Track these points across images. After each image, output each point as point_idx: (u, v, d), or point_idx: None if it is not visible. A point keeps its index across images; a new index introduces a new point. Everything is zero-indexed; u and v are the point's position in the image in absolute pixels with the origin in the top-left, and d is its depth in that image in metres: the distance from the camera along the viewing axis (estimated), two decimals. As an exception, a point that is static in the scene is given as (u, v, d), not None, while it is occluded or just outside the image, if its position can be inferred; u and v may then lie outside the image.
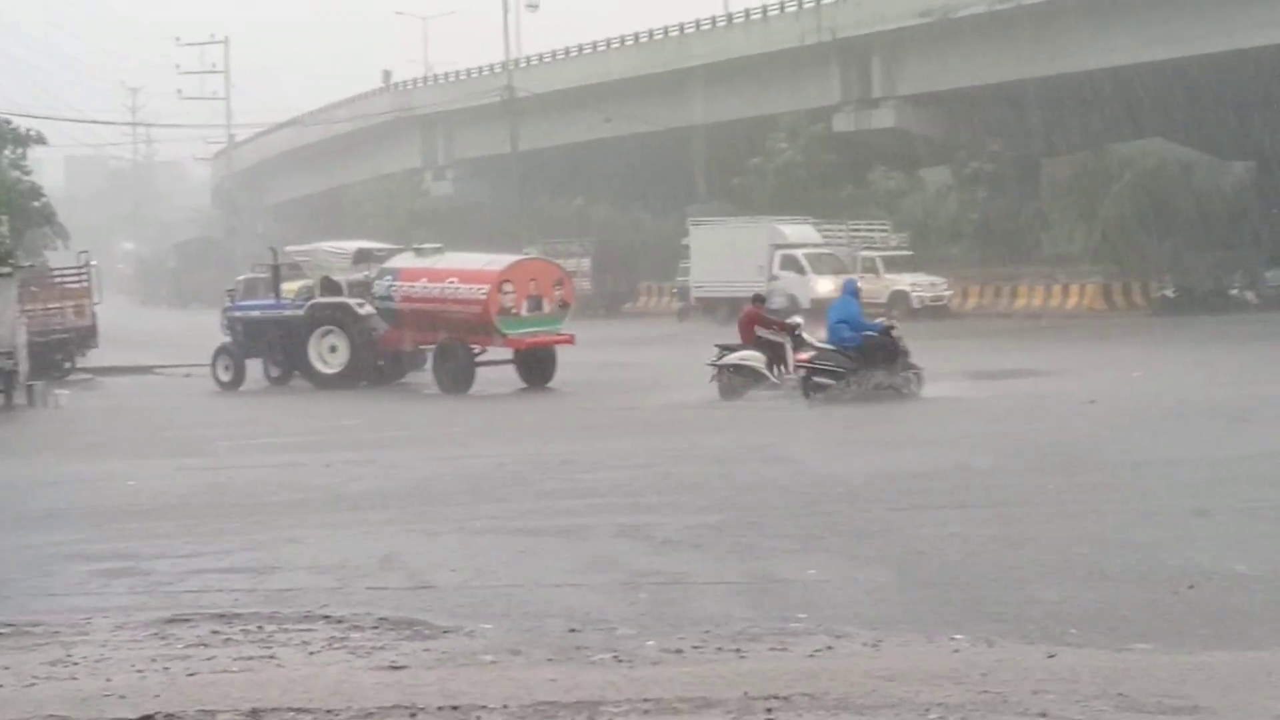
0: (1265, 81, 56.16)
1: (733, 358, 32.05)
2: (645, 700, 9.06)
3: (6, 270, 34.50)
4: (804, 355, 31.01)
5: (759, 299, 36.00)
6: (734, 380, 31.71)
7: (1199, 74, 56.54)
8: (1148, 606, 11.41)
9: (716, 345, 32.98)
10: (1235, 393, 28.63)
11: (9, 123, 50.18)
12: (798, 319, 34.35)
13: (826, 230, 61.85)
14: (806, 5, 67.89)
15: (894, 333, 31.41)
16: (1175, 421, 24.30)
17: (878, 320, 33.41)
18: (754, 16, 70.97)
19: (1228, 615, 11.13)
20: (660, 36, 75.85)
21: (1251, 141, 63.12)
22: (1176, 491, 17.29)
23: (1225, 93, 58.14)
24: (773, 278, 61.48)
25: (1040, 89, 60.01)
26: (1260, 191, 63.96)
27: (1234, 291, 57.20)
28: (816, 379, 30.38)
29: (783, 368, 31.63)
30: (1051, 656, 9.96)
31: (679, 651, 10.42)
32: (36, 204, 47.36)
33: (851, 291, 33.12)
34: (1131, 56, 56.41)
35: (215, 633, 11.35)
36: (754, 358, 31.89)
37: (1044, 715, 8.49)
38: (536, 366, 34.99)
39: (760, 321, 33.00)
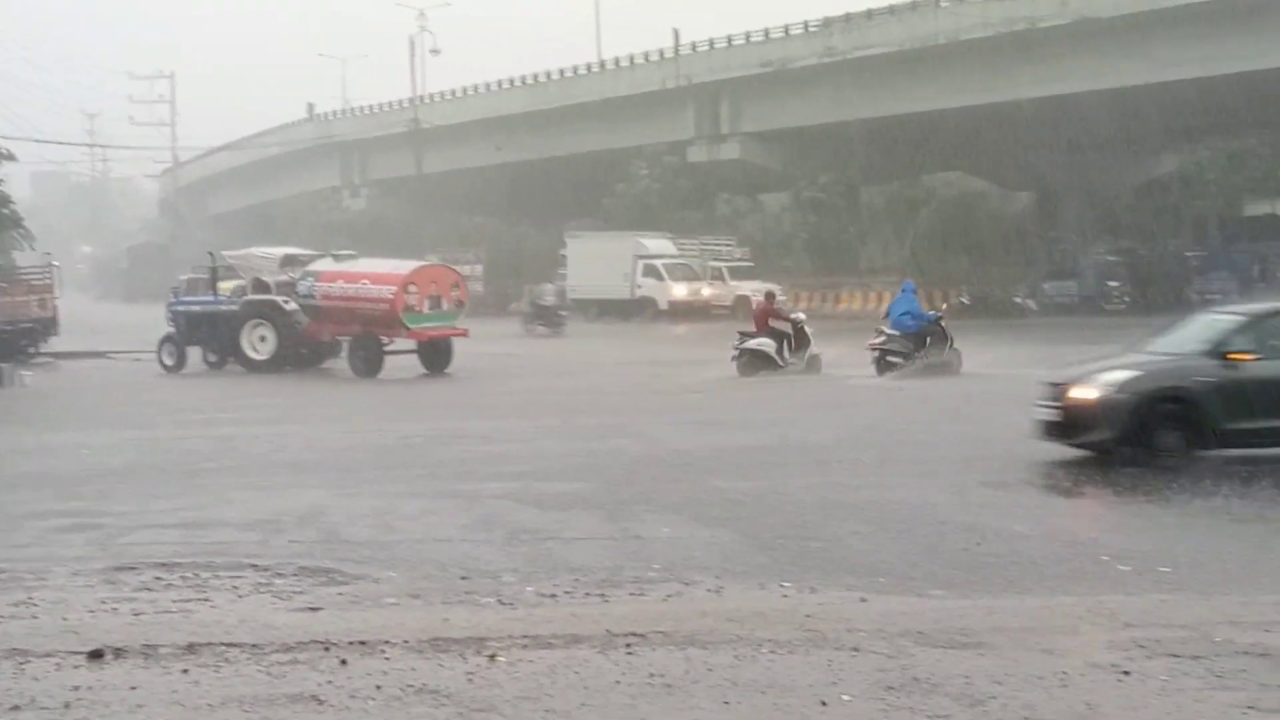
0: (1043, 127, 57.08)
1: (750, 344, 33.03)
2: (525, 637, 9.06)
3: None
4: (877, 340, 32.38)
5: (771, 295, 37.02)
6: (751, 362, 32.67)
7: (988, 119, 57.29)
8: (944, 560, 11.54)
9: (738, 332, 34.23)
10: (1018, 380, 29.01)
11: None
12: (801, 314, 36.44)
13: (682, 244, 62.23)
14: (668, 55, 68.32)
15: (942, 322, 33.69)
16: (972, 407, 24.42)
17: (931, 312, 35.16)
18: (623, 64, 71.23)
19: (1009, 567, 11.29)
20: (545, 80, 76.04)
21: (1032, 176, 64.16)
22: (971, 466, 17.40)
23: (1012, 135, 58.92)
24: (559, 275, 63.53)
25: (861, 128, 60.57)
26: (1039, 218, 64.99)
27: (1018, 300, 58.03)
28: (889, 358, 31.83)
29: (788, 353, 32.91)
30: (864, 601, 10.05)
31: (553, 596, 10.44)
32: (6, 210, 46.61)
33: (911, 290, 34.79)
34: (935, 104, 57.12)
35: (158, 579, 11.24)
36: (766, 344, 33.00)
37: (856, 649, 8.55)
38: (436, 356, 34.86)
39: (772, 314, 34.19)
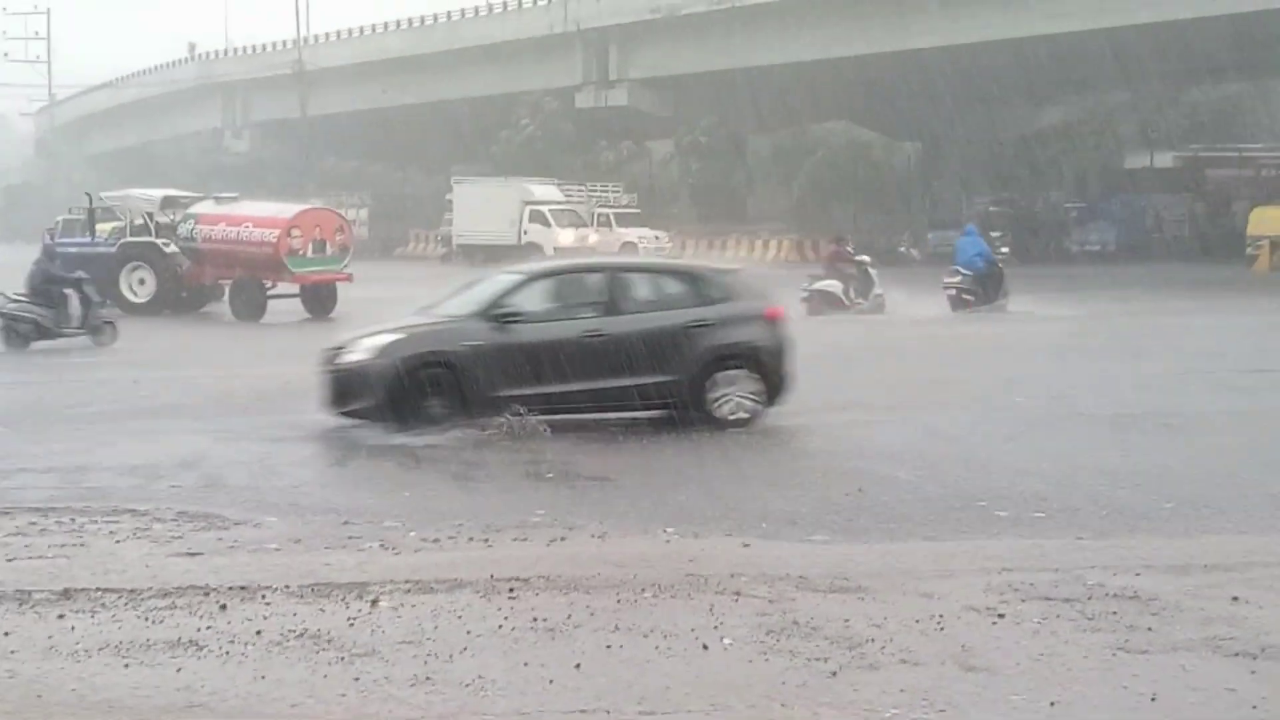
0: (931, 77, 57.35)
1: (819, 285, 34.60)
2: (408, 581, 9.06)
3: None
4: (953, 280, 34.22)
5: (841, 239, 38.77)
6: (819, 302, 33.90)
7: (876, 69, 57.68)
8: (826, 506, 11.63)
9: (808, 275, 36.13)
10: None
11: None
12: (866, 258, 37.40)
13: (569, 190, 62.12)
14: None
15: (1000, 265, 35.53)
16: (870, 355, 24.61)
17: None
18: (510, 7, 70.87)
19: (890, 514, 11.40)
20: (431, 22, 75.51)
21: (920, 126, 64.50)
22: (831, 410, 17.54)
23: (898, 85, 59.28)
24: (445, 220, 63.55)
25: (748, 77, 60.59)
26: (924, 168, 65.49)
27: (902, 249, 58.44)
28: (964, 296, 33.66)
29: (853, 293, 34.75)
30: (746, 546, 10.14)
31: (436, 541, 10.44)
32: None
33: (975, 232, 36.84)
34: (824, 53, 57.26)
35: (32, 524, 11.09)
36: (834, 285, 34.70)
37: (738, 594, 8.63)
38: (319, 300, 34.67)
39: (841, 258, 36.08)
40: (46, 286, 26.98)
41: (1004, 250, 41.02)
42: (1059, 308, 34.68)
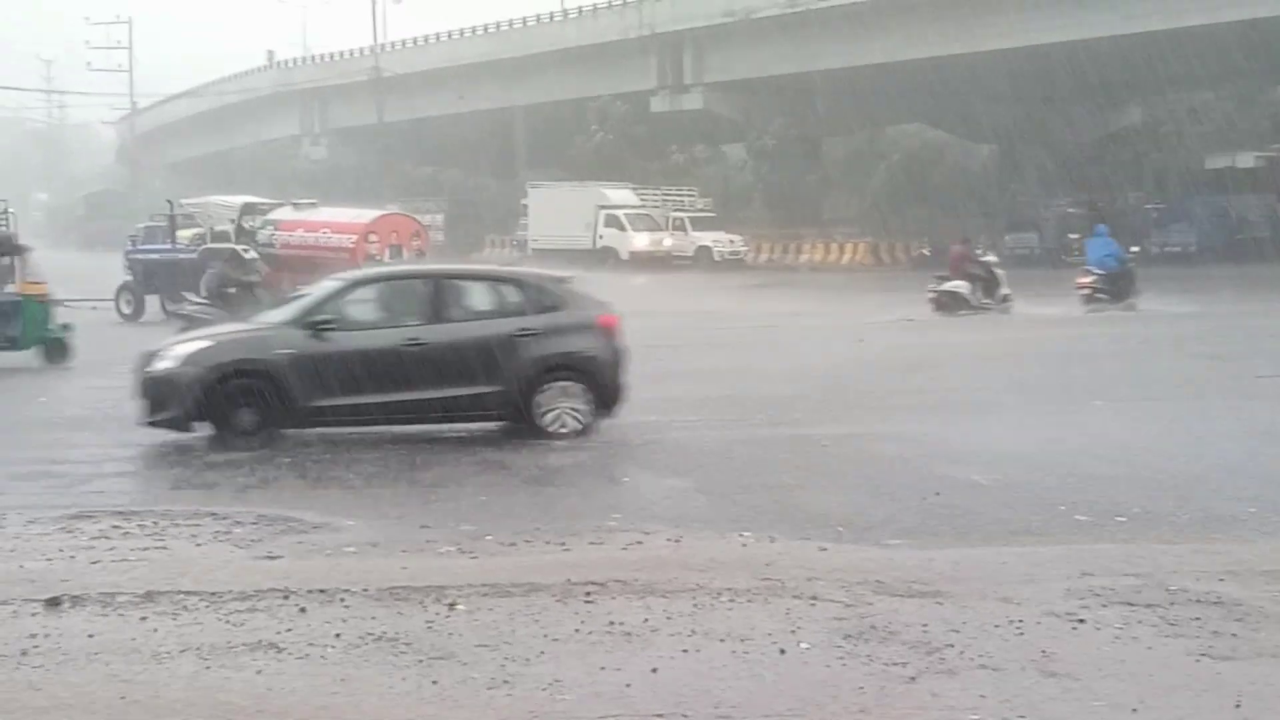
0: (1005, 78, 57.12)
1: (946, 285, 35.75)
2: (484, 585, 9.08)
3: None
4: (1087, 279, 35.15)
5: (966, 240, 39.33)
6: (947, 302, 35.17)
7: (952, 71, 57.23)
8: (902, 511, 11.62)
9: (935, 276, 36.96)
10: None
11: None
12: (993, 258, 39.46)
13: (644, 194, 62.21)
14: (630, 3, 68.03)
15: (1131, 264, 36.57)
16: (938, 357, 24.50)
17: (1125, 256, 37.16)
18: (585, 12, 71.04)
19: (965, 518, 11.36)
20: (506, 28, 75.75)
21: (994, 128, 64.16)
22: (922, 412, 17.47)
23: (972, 87, 58.98)
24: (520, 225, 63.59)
25: (824, 79, 60.54)
26: (1001, 170, 65.11)
27: (978, 251, 57.98)
28: (1098, 295, 34.39)
29: (980, 294, 35.79)
30: (823, 550, 10.11)
31: (513, 545, 10.47)
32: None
33: (1105, 233, 37.72)
34: (896, 56, 57.00)
35: (115, 527, 11.22)
36: (961, 286, 35.74)
37: (815, 598, 8.61)
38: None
39: (968, 259, 36.97)
40: (223, 290, 27.48)
41: (1134, 249, 41.20)
42: (1186, 306, 35.04)
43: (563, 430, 15.18)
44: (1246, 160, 60.24)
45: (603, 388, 15.43)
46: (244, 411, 14.47)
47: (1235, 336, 27.21)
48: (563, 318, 15.64)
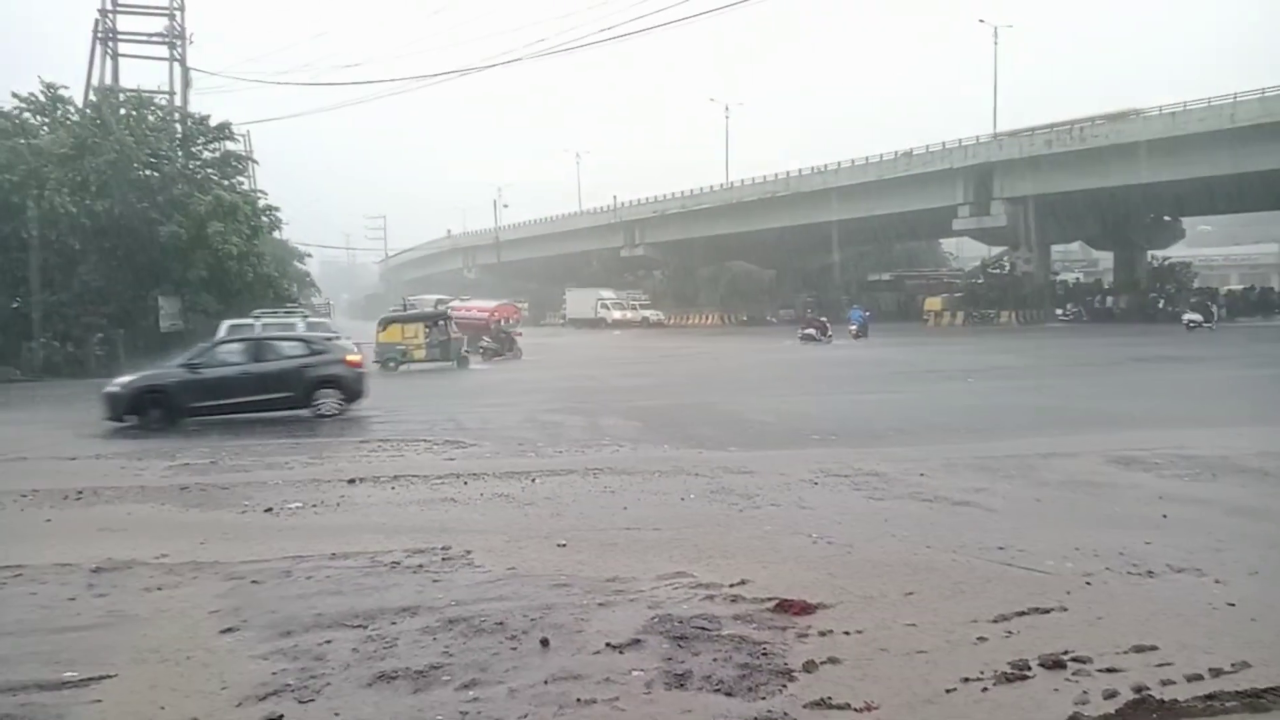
0: (779, 240, 56.92)
1: (805, 331, 31.58)
2: (547, 470, 9.01)
3: (293, 304, 33.43)
4: (853, 327, 32.47)
5: (809, 307, 36.28)
6: (809, 338, 30.82)
7: (756, 237, 56.69)
8: (736, 435, 11.44)
9: (799, 326, 32.80)
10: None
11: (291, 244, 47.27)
12: (825, 318, 34.21)
13: (618, 292, 61.21)
14: (611, 205, 67.08)
15: (867, 323, 33.17)
16: (746, 363, 24.41)
17: None
18: (586, 212, 69.94)
19: (764, 437, 11.27)
20: (555, 218, 74.76)
21: (774, 263, 63.74)
22: (751, 391, 17.37)
23: (765, 244, 58.87)
24: (563, 307, 61.51)
25: (699, 241, 59.91)
26: (777, 282, 64.76)
27: (770, 319, 57.64)
28: (859, 336, 31.33)
29: (820, 334, 31.26)
30: (700, 452, 10.06)
31: (562, 451, 10.39)
32: (309, 278, 45.74)
33: (862, 309, 34.74)
34: (731, 229, 56.43)
35: (380, 446, 11.08)
36: (813, 330, 31.47)
37: (697, 474, 8.57)
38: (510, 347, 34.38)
39: (811, 318, 33.52)
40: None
41: (867, 313, 37.02)
42: (874, 343, 31.08)
43: (329, 414, 13.98)
44: (883, 276, 60.82)
45: (349, 392, 14.38)
46: (153, 411, 13.31)
47: (901, 358, 26.71)
48: (328, 358, 14.59)
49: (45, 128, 27.53)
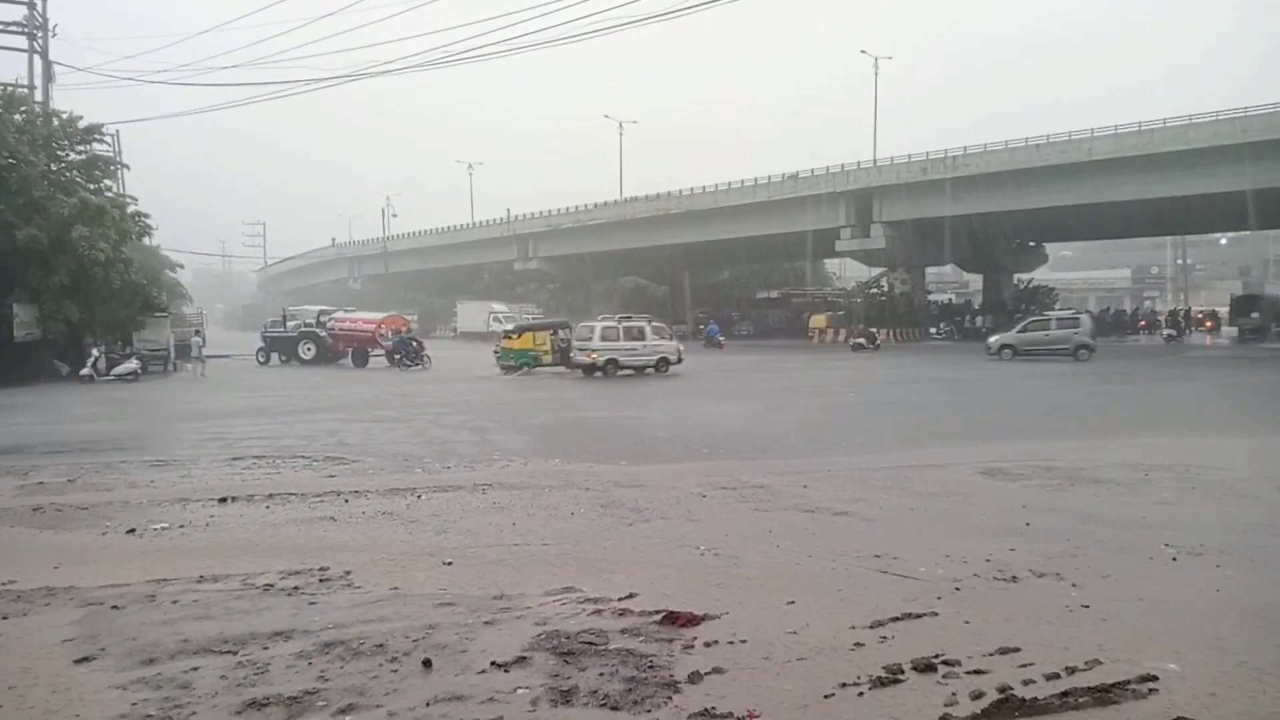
0: (673, 257, 57.85)
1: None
2: (434, 486, 8.80)
3: (162, 314, 31.69)
4: (712, 340, 32.43)
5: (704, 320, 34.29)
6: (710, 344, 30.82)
7: (650, 253, 57.59)
8: (627, 449, 11.49)
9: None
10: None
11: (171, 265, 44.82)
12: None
13: (510, 306, 61.04)
14: (505, 218, 66.68)
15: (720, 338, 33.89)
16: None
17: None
18: (480, 224, 69.27)
19: (654, 452, 11.32)
20: (440, 230, 73.76)
21: (667, 279, 64.58)
22: (642, 404, 17.45)
23: (659, 261, 59.66)
24: (454, 319, 60.64)
25: (591, 256, 60.26)
26: (671, 296, 65.42)
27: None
28: (714, 344, 31.73)
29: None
30: (590, 466, 10.04)
31: (448, 466, 10.18)
32: (181, 288, 43.38)
33: (718, 325, 35.65)
34: (625, 245, 57.17)
35: (254, 462, 10.62)
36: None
37: (587, 489, 8.55)
38: (410, 356, 33.50)
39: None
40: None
41: (745, 331, 38.30)
42: (748, 355, 32.51)
43: None
44: (771, 294, 62.33)
45: None
46: None
47: (769, 368, 26.93)
48: None
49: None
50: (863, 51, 67.84)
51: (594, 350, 25.22)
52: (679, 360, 25.98)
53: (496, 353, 27.75)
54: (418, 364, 29.70)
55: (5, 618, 5.01)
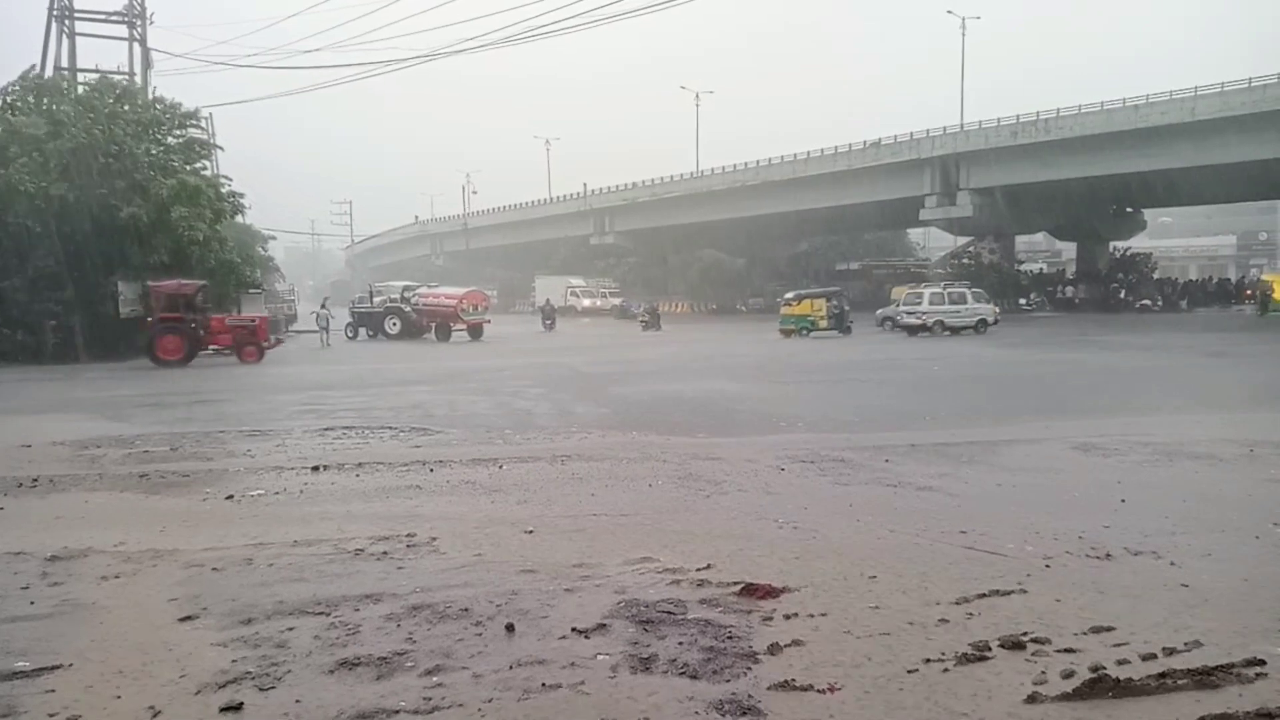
0: (749, 229, 57.32)
1: (786, 324, 29.15)
2: (515, 458, 8.96)
3: (256, 290, 32.95)
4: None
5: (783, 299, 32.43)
6: (789, 331, 28.58)
7: (727, 227, 57.16)
8: (706, 422, 11.50)
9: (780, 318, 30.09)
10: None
11: (264, 233, 46.47)
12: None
13: (588, 280, 61.33)
14: (580, 192, 66.97)
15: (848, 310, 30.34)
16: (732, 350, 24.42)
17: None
18: (556, 199, 69.72)
19: (733, 424, 11.31)
20: (516, 206, 74.46)
21: (746, 251, 64.17)
22: (733, 378, 17.41)
23: (737, 233, 59.18)
24: (533, 294, 60.53)
25: (669, 229, 60.09)
26: (748, 270, 65.09)
27: (740, 307, 58.00)
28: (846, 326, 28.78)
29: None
30: (669, 438, 10.06)
31: (529, 438, 10.34)
32: (273, 263, 44.90)
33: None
34: (705, 218, 56.75)
35: (344, 433, 10.98)
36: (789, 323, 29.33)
37: (665, 460, 8.57)
38: (476, 332, 34.06)
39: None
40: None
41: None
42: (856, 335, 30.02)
43: None
44: (852, 265, 61.14)
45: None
46: None
47: (845, 341, 26.89)
48: None
49: (17, 106, 26.76)
50: (949, 12, 65.25)
51: (924, 313, 26.99)
52: (995, 322, 27.96)
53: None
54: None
55: (117, 577, 5.31)
